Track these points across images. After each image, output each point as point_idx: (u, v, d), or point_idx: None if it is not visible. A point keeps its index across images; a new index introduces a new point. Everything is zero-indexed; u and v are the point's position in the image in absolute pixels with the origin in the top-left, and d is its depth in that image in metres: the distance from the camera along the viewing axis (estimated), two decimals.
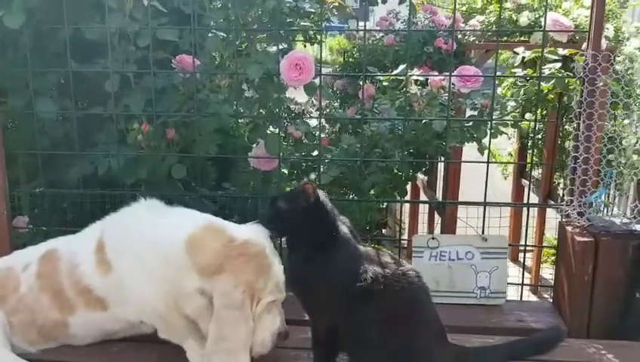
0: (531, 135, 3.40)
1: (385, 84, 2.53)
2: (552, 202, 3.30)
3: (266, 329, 1.48)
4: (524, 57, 2.42)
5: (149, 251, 1.50)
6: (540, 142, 3.42)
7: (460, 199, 3.11)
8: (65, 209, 2.16)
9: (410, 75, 2.17)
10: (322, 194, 1.45)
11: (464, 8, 3.63)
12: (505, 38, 3.24)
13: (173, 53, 2.04)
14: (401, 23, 3.81)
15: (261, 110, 2.25)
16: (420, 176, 3.47)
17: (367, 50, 3.01)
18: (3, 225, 1.94)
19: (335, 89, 3.51)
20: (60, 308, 1.58)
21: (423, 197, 3.81)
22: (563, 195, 3.20)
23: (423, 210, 3.71)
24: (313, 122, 2.44)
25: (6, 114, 2.05)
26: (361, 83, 3.09)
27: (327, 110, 2.97)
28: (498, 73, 2.10)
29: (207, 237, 1.48)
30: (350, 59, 3.97)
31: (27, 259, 1.64)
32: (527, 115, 2.76)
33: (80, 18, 1.92)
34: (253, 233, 1.50)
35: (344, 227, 1.44)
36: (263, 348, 1.48)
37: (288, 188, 2.07)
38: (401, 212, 2.46)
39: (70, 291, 1.57)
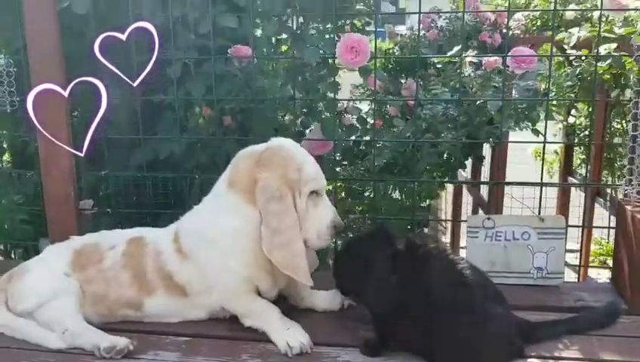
0: (578, 132, 3.38)
1: (438, 66, 2.54)
2: (601, 199, 3.24)
3: (319, 220, 1.54)
4: (579, 37, 2.39)
5: (225, 220, 1.55)
6: (587, 138, 3.38)
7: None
8: (126, 192, 2.24)
9: (465, 56, 2.17)
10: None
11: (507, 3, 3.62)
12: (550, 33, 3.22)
13: (231, 40, 2.09)
14: (443, 19, 3.80)
15: (312, 95, 2.29)
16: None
17: (409, 47, 3.04)
18: (70, 207, 2.02)
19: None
20: (139, 288, 1.65)
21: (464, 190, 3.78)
22: (612, 194, 3.15)
23: (466, 205, 3.67)
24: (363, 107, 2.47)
25: (73, 99, 2.12)
26: (402, 81, 3.10)
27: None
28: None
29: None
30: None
31: (114, 241, 1.72)
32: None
33: (143, 6, 1.98)
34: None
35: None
36: (320, 241, 1.55)
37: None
38: (454, 212, 2.46)
39: (153, 273, 1.64)
